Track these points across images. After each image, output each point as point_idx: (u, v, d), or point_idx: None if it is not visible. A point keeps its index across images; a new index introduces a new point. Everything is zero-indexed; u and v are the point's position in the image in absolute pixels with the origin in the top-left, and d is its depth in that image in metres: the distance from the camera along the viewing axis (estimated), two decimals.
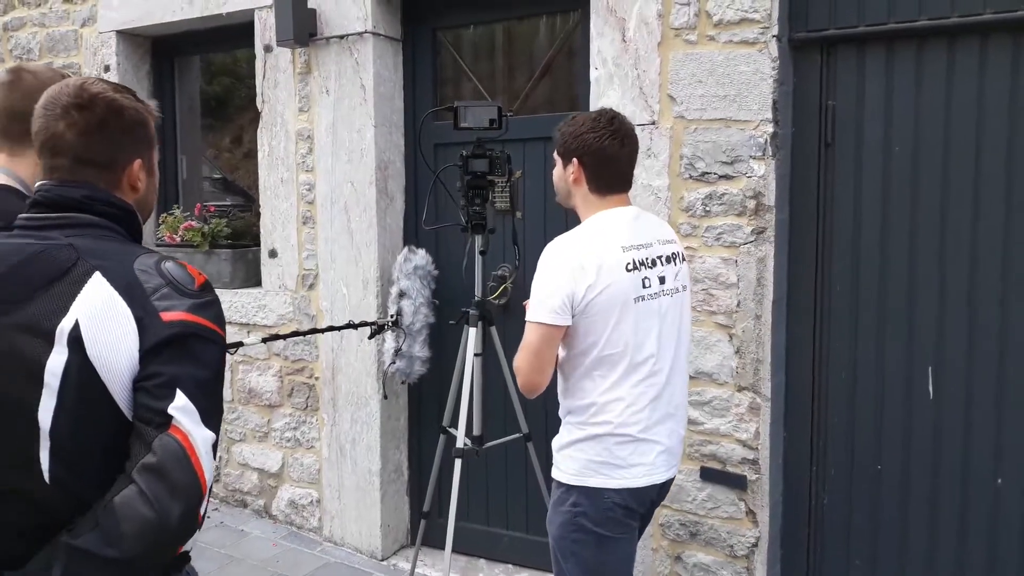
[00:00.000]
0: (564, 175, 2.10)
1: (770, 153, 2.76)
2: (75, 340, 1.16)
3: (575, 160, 2.05)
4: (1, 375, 1.18)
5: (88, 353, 1.16)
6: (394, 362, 3.51)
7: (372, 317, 3.59)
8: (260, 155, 3.96)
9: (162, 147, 4.59)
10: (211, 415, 1.19)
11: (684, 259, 2.16)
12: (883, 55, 2.72)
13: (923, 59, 2.67)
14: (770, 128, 2.75)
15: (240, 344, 3.05)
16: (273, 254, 3.95)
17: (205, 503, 1.17)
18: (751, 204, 2.80)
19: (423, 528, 3.36)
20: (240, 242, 4.22)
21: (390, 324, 3.49)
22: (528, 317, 2.00)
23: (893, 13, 2.66)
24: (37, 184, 1.32)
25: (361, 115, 3.60)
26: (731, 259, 2.85)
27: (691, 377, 2.93)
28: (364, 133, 3.60)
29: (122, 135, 1.32)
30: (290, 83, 3.81)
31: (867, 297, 2.82)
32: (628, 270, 1.97)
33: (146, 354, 1.17)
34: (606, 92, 3.03)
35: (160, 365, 1.17)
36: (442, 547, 3.07)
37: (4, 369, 1.17)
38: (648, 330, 2.00)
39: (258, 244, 4.07)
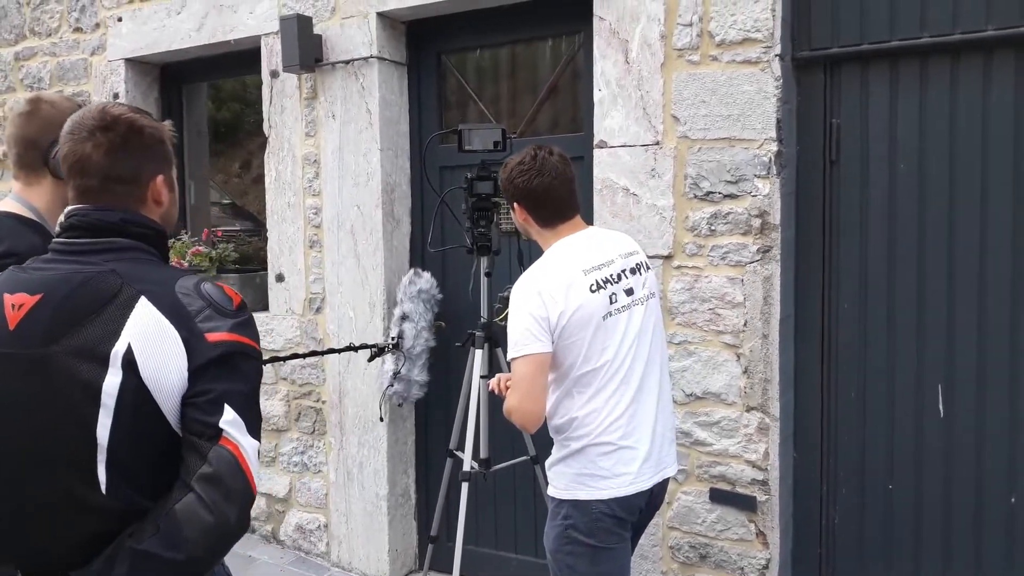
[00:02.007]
0: (516, 218, 2.24)
1: (775, 172, 2.76)
2: (129, 362, 1.25)
3: (515, 204, 2.19)
4: (61, 397, 1.26)
5: (141, 374, 1.25)
6: (392, 384, 3.50)
7: (379, 340, 3.59)
8: (267, 180, 3.98)
9: None
10: (255, 425, 1.30)
11: (649, 267, 2.23)
12: (887, 73, 2.72)
13: (927, 76, 2.67)
14: (774, 147, 2.75)
15: (262, 360, 3.05)
16: (280, 278, 3.96)
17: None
18: (756, 223, 2.79)
19: (431, 552, 3.33)
20: (247, 267, 4.24)
21: (390, 347, 3.48)
22: (512, 355, 2.04)
23: (896, 31, 2.67)
24: (71, 208, 1.39)
25: (367, 139, 3.62)
26: (737, 278, 2.84)
27: (698, 398, 2.92)
28: (370, 157, 3.62)
29: (144, 152, 1.40)
30: (296, 108, 3.84)
31: (875, 314, 2.80)
32: (592, 291, 2.06)
33: (195, 373, 1.26)
34: (609, 113, 3.04)
35: (208, 383, 1.27)
36: (450, 571, 3.05)
37: (64, 392, 1.26)
38: (620, 342, 2.09)
39: (265, 268, 4.08)
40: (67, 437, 1.26)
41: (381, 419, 3.63)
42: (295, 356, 3.43)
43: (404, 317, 3.48)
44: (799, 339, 2.91)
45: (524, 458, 3.14)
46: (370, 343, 3.51)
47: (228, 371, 1.29)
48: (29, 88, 4.91)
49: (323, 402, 3.89)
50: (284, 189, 3.91)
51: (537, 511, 3.48)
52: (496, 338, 3.10)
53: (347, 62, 3.64)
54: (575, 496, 2.09)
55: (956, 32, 2.58)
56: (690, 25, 2.87)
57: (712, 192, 2.86)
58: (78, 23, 4.61)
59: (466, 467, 2.99)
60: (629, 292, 2.12)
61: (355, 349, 3.42)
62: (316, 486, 3.96)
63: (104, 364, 1.25)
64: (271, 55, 3.87)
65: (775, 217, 2.77)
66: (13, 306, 1.31)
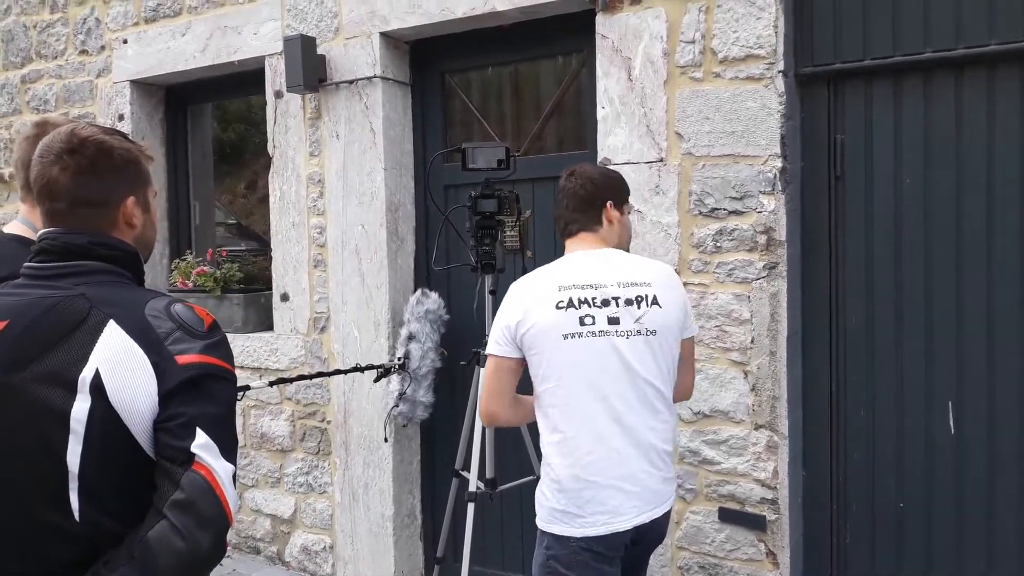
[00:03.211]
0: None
1: (780, 188, 2.75)
2: (97, 388, 1.23)
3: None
4: (30, 424, 1.24)
5: (110, 399, 1.23)
6: (397, 405, 3.48)
7: (383, 359, 3.57)
8: (272, 199, 3.99)
9: (175, 194, 4.69)
10: (229, 448, 1.27)
11: (658, 303, 2.05)
12: (890, 88, 2.72)
13: (931, 91, 2.66)
14: (779, 163, 2.74)
15: (247, 388, 3.04)
16: (285, 298, 3.96)
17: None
18: (762, 239, 2.78)
19: (437, 573, 3.30)
20: (252, 286, 4.23)
21: (396, 367, 3.46)
22: (485, 351, 2.19)
23: (899, 46, 2.66)
24: (41, 232, 1.37)
25: (371, 158, 3.63)
26: (744, 295, 2.82)
27: (706, 416, 2.90)
28: (374, 176, 3.62)
29: (113, 174, 1.37)
30: (301, 128, 3.85)
31: (883, 330, 2.78)
32: (558, 307, 2.02)
33: (165, 397, 1.24)
34: (613, 131, 3.04)
35: (179, 406, 1.24)
36: None
37: (33, 418, 1.24)
38: (587, 367, 2.00)
39: (270, 288, 4.08)
40: (38, 464, 1.24)
41: (386, 439, 3.61)
42: (303, 377, 3.41)
43: (411, 337, 3.47)
44: (807, 356, 2.88)
45: (530, 478, 3.11)
46: (376, 364, 3.49)
47: (199, 394, 1.26)
48: (35, 110, 4.94)
49: (328, 422, 3.87)
50: (288, 209, 3.92)
51: None
52: None
53: (351, 82, 3.65)
54: (551, 530, 2.04)
55: (959, 47, 2.58)
56: (693, 42, 2.87)
57: (717, 209, 2.85)
58: (84, 45, 4.64)
59: (472, 487, 2.97)
60: (613, 320, 2.01)
61: (362, 370, 3.41)
62: (321, 507, 3.94)
63: (72, 390, 1.23)
64: (275, 76, 3.88)
65: (781, 233, 2.76)
66: None
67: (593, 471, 1.99)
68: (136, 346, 1.25)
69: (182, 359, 1.26)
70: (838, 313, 2.84)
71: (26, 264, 1.36)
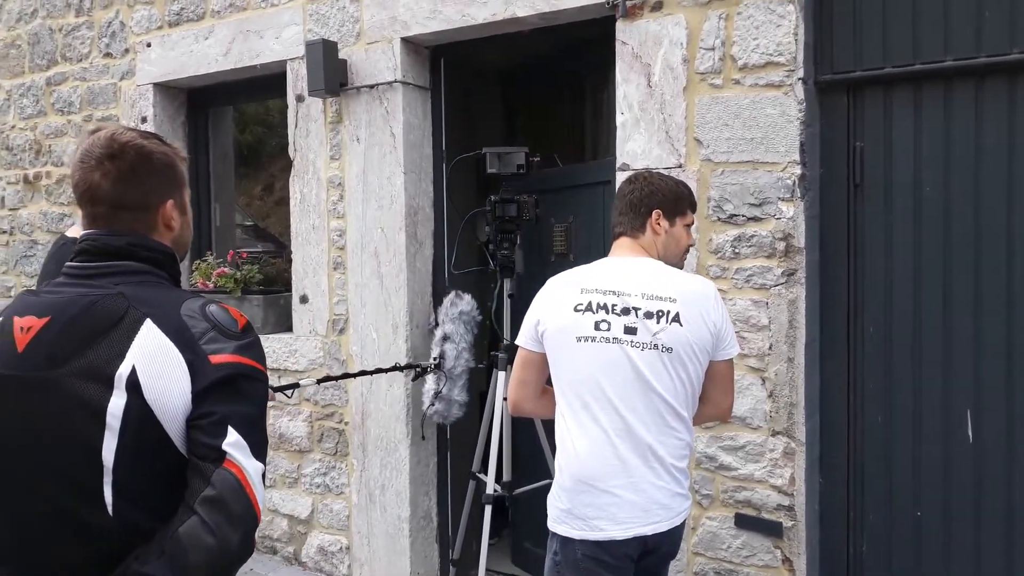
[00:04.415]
0: None
1: (799, 195, 2.75)
2: (133, 384, 1.25)
3: None
4: (67, 419, 1.27)
5: (145, 396, 1.25)
6: (433, 404, 3.52)
7: (402, 361, 3.60)
8: (292, 202, 4.03)
9: (196, 195, 4.73)
10: (259, 447, 1.29)
11: (679, 321, 1.99)
12: (910, 96, 2.72)
13: (951, 99, 2.66)
14: (798, 170, 2.75)
15: (296, 385, 3.09)
16: (304, 299, 3.99)
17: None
18: (781, 246, 2.78)
19: (453, 575, 3.32)
20: (272, 288, 4.27)
21: (432, 367, 3.51)
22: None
23: (919, 54, 2.66)
24: (82, 233, 1.40)
25: (391, 162, 3.66)
26: (762, 301, 2.83)
27: (723, 422, 2.90)
28: (394, 180, 3.65)
29: (152, 178, 1.40)
30: (321, 132, 3.88)
31: (901, 338, 2.77)
32: (576, 310, 2.02)
33: (198, 395, 1.26)
34: (632, 136, 3.05)
35: (212, 405, 1.26)
36: None
37: (69, 413, 1.26)
38: (595, 372, 1.99)
39: (289, 290, 4.12)
40: (73, 459, 1.27)
41: (423, 437, 3.65)
42: (347, 375, 3.45)
43: (446, 338, 3.52)
44: (824, 363, 2.89)
45: (547, 481, 3.12)
46: (414, 364, 3.55)
47: (232, 393, 1.28)
48: (59, 112, 5.00)
49: (346, 423, 3.90)
50: (309, 211, 3.95)
51: None
52: None
53: (372, 86, 3.68)
54: (557, 530, 2.05)
55: (980, 56, 2.58)
56: (712, 49, 2.88)
57: (736, 215, 2.86)
58: (108, 49, 4.70)
59: (489, 490, 2.99)
60: (630, 331, 1.98)
61: (402, 369, 3.49)
62: (338, 507, 3.97)
63: (109, 386, 1.25)
64: (297, 79, 3.93)
65: (799, 240, 2.76)
66: (22, 328, 1.32)
67: (593, 475, 1.99)
68: (171, 345, 1.27)
69: (216, 359, 1.28)
70: (856, 321, 2.84)
71: (67, 264, 1.39)
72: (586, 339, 2.00)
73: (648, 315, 2.00)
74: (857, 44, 2.76)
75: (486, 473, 3.03)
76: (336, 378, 3.38)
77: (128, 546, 1.26)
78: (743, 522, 2.90)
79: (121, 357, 1.26)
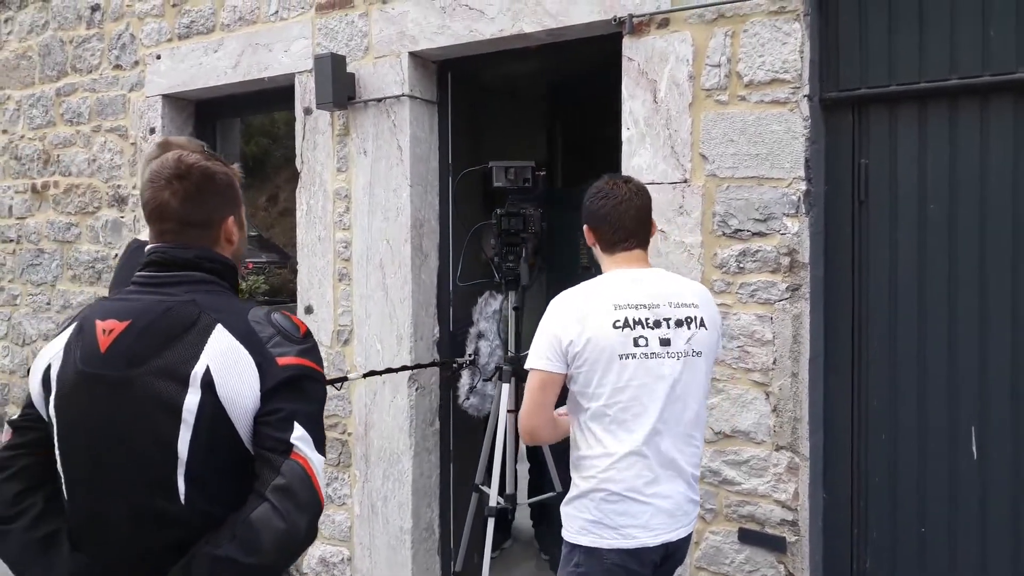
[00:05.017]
0: (586, 239, 2.25)
1: (803, 210, 2.77)
2: (207, 383, 1.36)
3: (585, 225, 2.22)
4: (146, 414, 1.38)
5: (218, 393, 1.36)
6: (468, 398, 3.58)
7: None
8: (298, 214, 4.05)
9: None
10: (320, 442, 1.41)
11: (704, 325, 2.11)
12: (915, 114, 2.74)
13: (956, 117, 2.68)
14: (803, 186, 2.77)
15: (345, 379, 3.12)
16: (309, 310, 4.01)
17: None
18: (785, 261, 2.80)
19: None
20: (277, 298, 4.31)
21: (467, 363, 3.55)
22: (526, 365, 2.12)
23: (924, 73, 2.68)
24: (151, 247, 1.53)
25: (397, 175, 3.68)
26: (766, 316, 2.83)
27: (727, 436, 2.91)
28: (400, 193, 3.68)
29: (216, 197, 1.53)
30: (329, 144, 3.91)
31: (906, 354, 2.78)
32: (616, 327, 2.02)
33: (266, 394, 1.38)
34: (638, 151, 3.07)
35: (279, 402, 1.38)
36: None
37: (148, 409, 1.38)
38: (638, 388, 2.02)
39: (294, 300, 4.13)
40: (151, 450, 1.37)
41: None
42: (390, 370, 3.48)
43: (480, 335, 3.59)
44: (829, 378, 2.89)
45: (551, 495, 3.13)
46: (448, 360, 3.62)
47: (296, 392, 1.40)
48: (69, 123, 5.04)
49: (349, 434, 3.91)
50: (315, 223, 3.97)
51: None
52: (524, 373, 3.12)
53: (379, 100, 3.71)
54: (583, 542, 2.05)
55: (985, 74, 2.59)
56: (718, 66, 2.91)
57: (741, 230, 2.88)
58: (118, 60, 4.74)
59: (492, 502, 2.99)
60: (665, 342, 2.05)
61: (439, 365, 3.56)
62: (340, 519, 3.96)
63: (185, 384, 1.36)
64: (305, 92, 3.95)
65: (804, 255, 2.78)
66: (104, 331, 1.42)
67: (627, 486, 2.02)
68: (242, 347, 1.39)
69: (282, 360, 1.40)
70: (861, 336, 2.85)
71: (137, 274, 1.51)
72: (628, 356, 2.02)
73: (679, 323, 2.07)
74: (863, 62, 2.78)
75: (489, 485, 3.04)
76: (381, 372, 3.42)
77: (197, 533, 1.36)
78: (747, 537, 2.90)
79: (196, 358, 1.37)
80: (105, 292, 4.87)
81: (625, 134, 3.11)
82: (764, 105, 2.83)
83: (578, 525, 2.07)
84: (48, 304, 5.28)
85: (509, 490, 3.12)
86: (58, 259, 5.19)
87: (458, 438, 3.85)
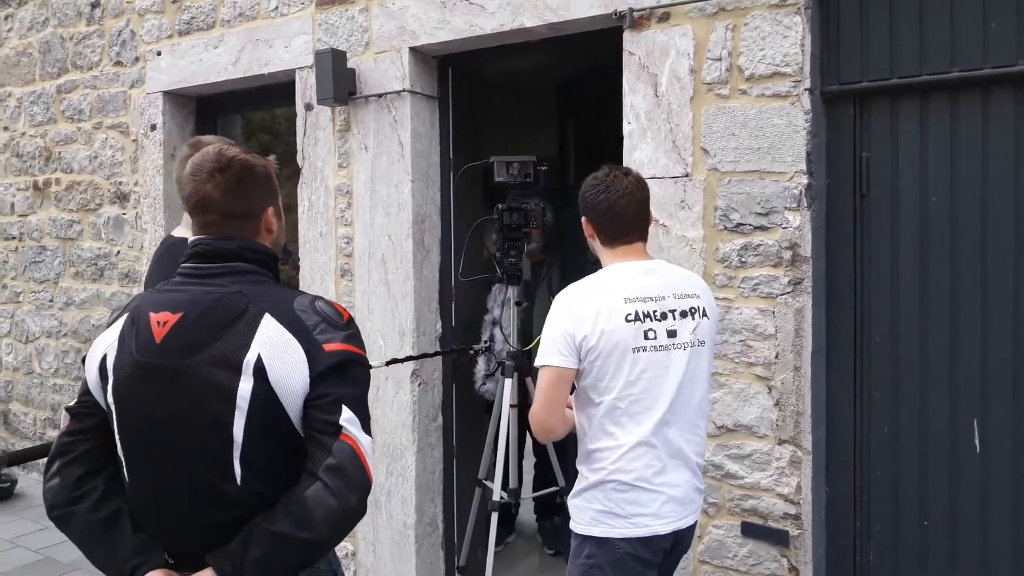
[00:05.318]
0: (584, 232, 2.24)
1: (805, 204, 2.77)
2: (259, 370, 1.43)
3: (584, 217, 2.21)
4: (202, 400, 1.44)
5: (270, 380, 1.43)
6: (484, 383, 3.64)
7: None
8: (300, 210, 4.05)
9: None
10: (367, 423, 1.48)
11: (707, 315, 2.15)
12: (917, 107, 2.74)
13: (957, 110, 2.67)
14: (804, 179, 2.76)
15: (369, 366, 3.13)
16: None
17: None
18: (787, 255, 2.80)
19: None
20: None
21: (483, 350, 3.59)
22: (537, 362, 2.10)
23: (925, 65, 2.68)
24: (194, 239, 1.57)
25: (399, 170, 3.68)
26: (768, 310, 2.84)
27: (729, 430, 2.91)
28: (401, 188, 3.68)
29: (256, 188, 1.59)
30: (330, 140, 3.91)
31: (908, 348, 2.78)
32: (628, 320, 2.03)
33: (315, 379, 1.45)
34: (639, 145, 3.07)
35: (328, 387, 1.45)
36: None
37: (204, 396, 1.44)
38: (648, 380, 2.05)
39: None
40: (208, 435, 1.44)
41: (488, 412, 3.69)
42: (410, 358, 3.50)
43: (495, 322, 3.62)
44: (831, 372, 2.89)
45: (554, 489, 3.13)
46: (465, 347, 3.66)
47: (344, 376, 1.47)
48: (69, 120, 5.04)
49: None
50: (316, 219, 3.98)
51: (566, 542, 3.46)
52: (527, 367, 3.12)
53: (380, 95, 3.71)
54: (594, 532, 2.07)
55: (986, 67, 2.59)
56: (719, 60, 2.90)
57: (742, 224, 2.87)
58: (119, 57, 4.74)
59: (495, 497, 3.00)
60: (671, 334, 2.07)
61: (456, 351, 3.60)
62: None
63: (238, 372, 1.43)
64: (305, 88, 3.95)
65: (806, 249, 2.78)
66: (158, 323, 1.48)
67: (638, 476, 2.04)
68: (290, 335, 1.45)
69: (328, 347, 1.46)
70: (863, 330, 2.85)
71: (184, 265, 1.56)
72: (640, 349, 2.04)
73: (683, 314, 2.10)
74: (864, 55, 2.78)
75: (492, 480, 3.04)
76: (402, 360, 3.43)
77: (251, 513, 1.43)
78: (749, 530, 2.90)
79: (247, 347, 1.44)
80: (108, 288, 4.88)
81: (626, 128, 3.11)
82: (765, 99, 2.82)
83: (589, 516, 2.08)
84: (51, 301, 5.29)
85: (512, 485, 3.12)
86: (60, 256, 5.20)
87: (461, 433, 3.86)
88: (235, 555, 1.42)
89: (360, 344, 1.54)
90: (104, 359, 1.53)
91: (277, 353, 1.43)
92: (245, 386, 1.42)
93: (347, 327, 1.52)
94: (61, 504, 1.54)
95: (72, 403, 1.61)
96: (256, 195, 1.58)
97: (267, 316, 1.46)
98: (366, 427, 1.47)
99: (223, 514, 1.46)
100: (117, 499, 1.54)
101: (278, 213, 1.64)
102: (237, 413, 1.42)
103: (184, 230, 2.30)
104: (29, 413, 5.53)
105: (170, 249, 2.26)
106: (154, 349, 1.47)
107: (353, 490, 1.40)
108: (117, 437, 1.52)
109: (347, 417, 1.43)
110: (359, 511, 1.43)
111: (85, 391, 1.58)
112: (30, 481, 5.42)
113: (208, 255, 1.54)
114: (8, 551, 4.23)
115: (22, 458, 5.04)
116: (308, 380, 1.44)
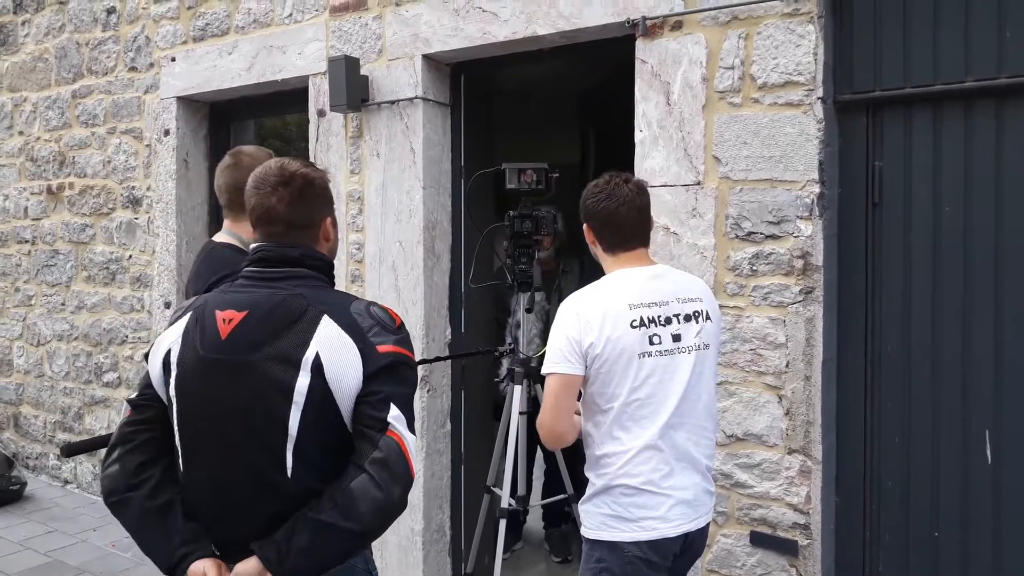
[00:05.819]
0: (586, 238, 2.26)
1: (817, 213, 2.76)
2: (317, 367, 1.52)
3: (585, 224, 2.23)
4: (262, 394, 1.53)
5: (326, 377, 1.52)
6: (505, 383, 3.61)
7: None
8: None
9: (216, 207, 4.78)
10: (412, 423, 1.57)
11: (710, 318, 2.17)
12: (930, 116, 2.73)
13: (971, 119, 2.67)
14: (816, 188, 2.76)
15: (417, 369, 3.16)
16: None
17: None
18: (799, 264, 2.79)
19: None
20: None
21: (507, 351, 3.58)
22: (544, 370, 2.12)
23: (939, 75, 2.67)
24: (257, 245, 1.68)
25: (410, 177, 3.69)
26: (779, 319, 2.83)
27: (739, 439, 2.90)
28: (413, 195, 3.69)
29: (316, 200, 1.69)
30: (342, 146, 3.93)
31: (919, 357, 2.77)
32: (633, 326, 2.05)
33: (368, 377, 1.53)
34: (650, 153, 3.07)
35: (379, 385, 1.54)
36: None
37: (264, 390, 1.53)
38: (654, 385, 2.06)
39: None
40: (265, 427, 1.52)
41: (497, 418, 3.69)
42: (439, 359, 3.57)
43: (518, 325, 3.61)
44: (842, 382, 2.88)
45: (562, 496, 3.13)
46: (490, 348, 3.69)
47: (394, 377, 1.56)
48: (84, 124, 5.08)
49: None
50: None
51: (575, 550, 3.45)
52: (536, 374, 3.12)
53: (392, 102, 3.73)
54: (605, 537, 2.08)
55: (1001, 76, 2.58)
56: (732, 68, 2.91)
57: (754, 232, 2.87)
58: (133, 63, 4.78)
59: (504, 504, 2.99)
60: (676, 338, 2.09)
61: (482, 353, 3.63)
62: None
63: (297, 368, 1.52)
64: (318, 95, 3.98)
65: (817, 258, 2.77)
66: (224, 320, 1.58)
67: (645, 480, 2.05)
68: (347, 336, 1.54)
69: (381, 348, 1.56)
70: (874, 340, 2.84)
71: (247, 268, 1.66)
72: (645, 354, 2.06)
73: (687, 318, 2.12)
74: (877, 64, 2.78)
75: (500, 487, 3.04)
76: (430, 361, 3.48)
77: (297, 504, 1.51)
78: (758, 540, 2.89)
79: (306, 345, 1.53)
80: (119, 292, 4.91)
81: (638, 136, 3.12)
82: (777, 107, 2.82)
83: (598, 521, 2.09)
84: (63, 305, 5.32)
85: (521, 492, 3.12)
86: (73, 260, 5.24)
87: (469, 439, 3.86)
88: (280, 544, 1.48)
89: (410, 347, 1.63)
90: (168, 354, 1.61)
91: (334, 352, 1.52)
92: (303, 381, 1.50)
93: (399, 331, 1.61)
94: (120, 490, 1.60)
95: (134, 395, 1.70)
96: (316, 206, 1.68)
97: (326, 317, 1.55)
98: (411, 426, 1.54)
99: (273, 505, 1.53)
100: (172, 488, 1.61)
101: (334, 223, 1.75)
102: (294, 407, 1.50)
103: (225, 235, 2.39)
104: (39, 416, 5.56)
105: (211, 253, 2.36)
106: (219, 345, 1.56)
107: (396, 483, 1.47)
108: (176, 428, 1.60)
109: (395, 415, 1.51)
110: (400, 504, 1.50)
111: (147, 384, 1.66)
112: (39, 484, 5.44)
113: (271, 260, 1.64)
114: (17, 553, 4.25)
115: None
116: (361, 378, 1.52)
